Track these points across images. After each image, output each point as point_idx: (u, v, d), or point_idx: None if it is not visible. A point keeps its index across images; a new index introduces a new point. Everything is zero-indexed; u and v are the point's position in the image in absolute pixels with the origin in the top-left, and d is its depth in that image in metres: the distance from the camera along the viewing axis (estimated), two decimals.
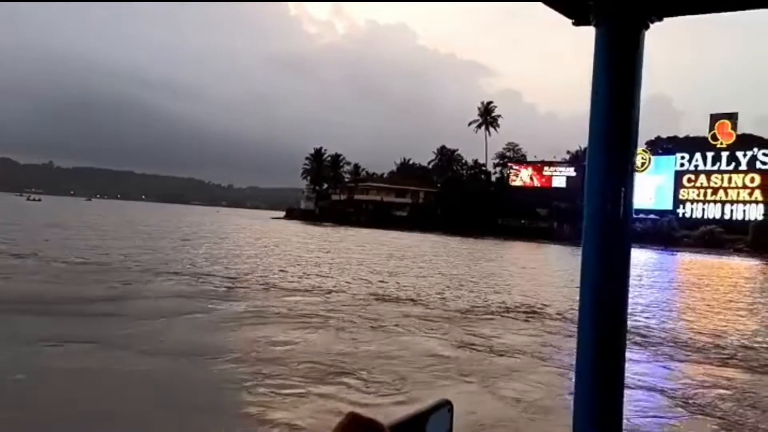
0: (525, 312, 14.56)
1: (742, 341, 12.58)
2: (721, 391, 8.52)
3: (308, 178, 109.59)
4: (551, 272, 29.57)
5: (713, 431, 6.88)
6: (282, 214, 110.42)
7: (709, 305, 18.66)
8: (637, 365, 9.70)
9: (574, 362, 0.97)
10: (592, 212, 0.95)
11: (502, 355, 9.86)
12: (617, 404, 0.95)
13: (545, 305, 15.65)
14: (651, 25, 0.96)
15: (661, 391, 8.33)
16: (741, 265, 44.63)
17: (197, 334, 10.13)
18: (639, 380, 8.69)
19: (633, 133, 0.95)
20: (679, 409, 7.70)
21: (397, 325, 11.85)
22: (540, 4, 0.96)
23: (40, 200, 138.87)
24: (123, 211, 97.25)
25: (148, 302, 12.88)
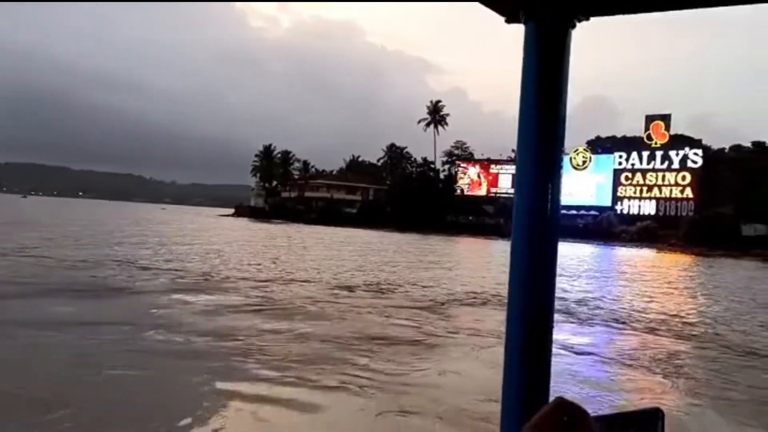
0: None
1: (660, 316, 14.95)
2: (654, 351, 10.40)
3: (257, 175, 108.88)
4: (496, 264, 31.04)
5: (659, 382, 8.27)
6: (230, 211, 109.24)
7: (637, 291, 20.82)
8: (582, 336, 11.73)
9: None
10: (521, 207, 0.98)
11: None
12: (545, 391, 0.98)
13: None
14: (578, 24, 0.99)
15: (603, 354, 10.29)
16: (671, 258, 47.62)
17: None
18: (584, 346, 10.67)
19: (560, 130, 0.98)
20: (621, 365, 9.63)
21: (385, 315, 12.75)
22: (477, 3, 0.99)
23: None
24: (66, 209, 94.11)
25: None
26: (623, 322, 13.84)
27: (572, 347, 10.45)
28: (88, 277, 15.77)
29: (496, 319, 12.51)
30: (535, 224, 0.97)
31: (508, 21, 1.01)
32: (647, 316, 14.93)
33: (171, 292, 14.26)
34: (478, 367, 8.54)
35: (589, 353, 10.24)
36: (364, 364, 8.37)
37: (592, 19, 0.99)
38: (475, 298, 16.46)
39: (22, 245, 22.89)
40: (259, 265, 22.51)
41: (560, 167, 0.97)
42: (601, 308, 15.85)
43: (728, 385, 8.46)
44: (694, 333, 12.86)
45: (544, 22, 0.97)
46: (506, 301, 0.98)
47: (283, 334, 10.16)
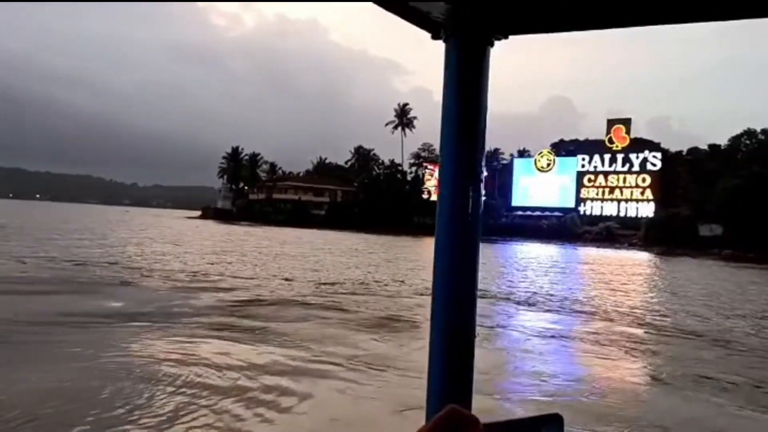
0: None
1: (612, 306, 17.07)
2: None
3: (224, 177, 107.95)
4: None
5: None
6: (196, 213, 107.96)
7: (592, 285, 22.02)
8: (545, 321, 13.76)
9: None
10: (444, 212, 1.01)
11: None
12: (468, 388, 1.00)
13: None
14: (496, 43, 1.04)
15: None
16: (630, 257, 49.28)
17: None
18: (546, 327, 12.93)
19: (480, 141, 1.02)
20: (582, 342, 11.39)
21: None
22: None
23: None
24: (26, 211, 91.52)
25: None
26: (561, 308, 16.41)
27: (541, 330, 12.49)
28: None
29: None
30: (458, 229, 1.01)
31: (434, 37, 1.06)
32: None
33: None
34: None
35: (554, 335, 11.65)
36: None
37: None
38: None
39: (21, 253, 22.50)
40: (317, 271, 22.86)
41: (481, 174, 1.03)
42: (540, 296, 18.31)
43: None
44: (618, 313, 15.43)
45: (464, 40, 1.02)
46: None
47: None
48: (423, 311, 13.47)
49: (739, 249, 56.66)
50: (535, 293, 19.10)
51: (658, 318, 15.15)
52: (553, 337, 12.13)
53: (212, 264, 23.09)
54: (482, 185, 1.02)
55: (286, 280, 19.07)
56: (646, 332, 13.09)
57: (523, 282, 22.89)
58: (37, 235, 32.88)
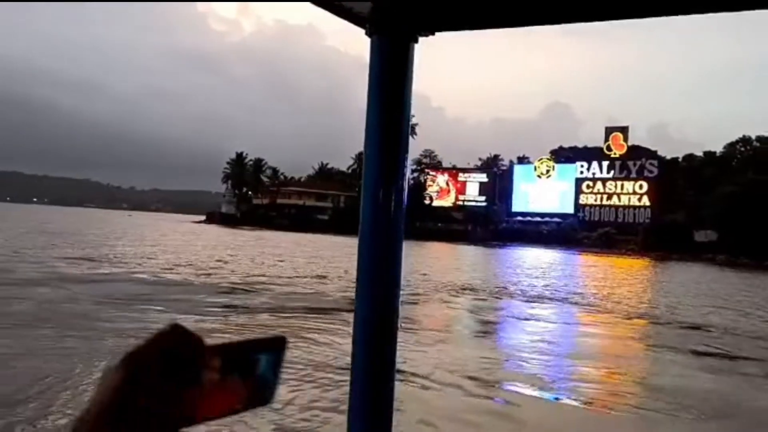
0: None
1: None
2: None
3: (229, 182, 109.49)
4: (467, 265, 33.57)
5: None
6: (201, 218, 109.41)
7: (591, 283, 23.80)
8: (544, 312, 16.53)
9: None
10: (368, 209, 1.01)
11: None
12: (389, 379, 1.01)
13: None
14: (421, 39, 1.04)
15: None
16: (629, 261, 50.98)
17: None
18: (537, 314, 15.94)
19: (404, 138, 1.03)
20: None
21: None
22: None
23: None
24: (30, 215, 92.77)
25: None
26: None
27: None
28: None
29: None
30: (381, 225, 1.02)
31: (367, 34, 1.04)
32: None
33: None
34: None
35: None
36: None
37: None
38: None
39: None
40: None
41: (404, 172, 1.04)
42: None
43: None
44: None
45: (388, 36, 1.02)
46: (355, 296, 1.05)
47: None
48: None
49: (734, 254, 58.47)
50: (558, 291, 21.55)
51: (649, 309, 18.43)
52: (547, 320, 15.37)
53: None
54: (405, 183, 1.04)
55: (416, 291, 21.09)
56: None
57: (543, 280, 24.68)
58: (108, 243, 33.10)
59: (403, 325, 12.42)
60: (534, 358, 10.29)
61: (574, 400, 8.00)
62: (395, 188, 1.01)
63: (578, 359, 10.77)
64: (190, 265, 23.42)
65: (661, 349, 11.96)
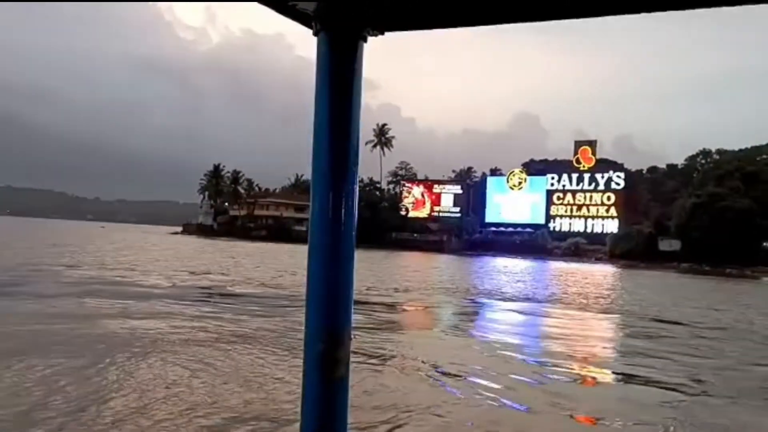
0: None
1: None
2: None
3: (206, 192, 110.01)
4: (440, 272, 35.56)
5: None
6: (178, 229, 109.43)
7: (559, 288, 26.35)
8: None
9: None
10: (318, 213, 0.97)
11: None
12: (343, 385, 0.99)
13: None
14: (369, 38, 1.00)
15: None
16: (596, 269, 53.69)
17: None
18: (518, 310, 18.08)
19: (353, 141, 0.98)
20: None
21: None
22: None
23: None
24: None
25: None
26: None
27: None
28: None
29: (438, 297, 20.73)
30: (331, 232, 0.97)
31: (315, 33, 1.00)
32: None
33: None
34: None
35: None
36: None
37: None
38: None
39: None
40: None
41: (354, 177, 0.99)
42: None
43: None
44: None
45: (334, 34, 0.98)
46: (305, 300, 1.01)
47: None
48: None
49: (697, 262, 61.91)
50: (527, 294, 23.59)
51: (610, 305, 21.74)
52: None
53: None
54: (356, 188, 1.00)
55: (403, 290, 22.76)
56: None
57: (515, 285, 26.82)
58: (112, 255, 31.88)
59: (391, 323, 14.20)
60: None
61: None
62: (345, 195, 0.97)
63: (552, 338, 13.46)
64: (258, 280, 23.22)
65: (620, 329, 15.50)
